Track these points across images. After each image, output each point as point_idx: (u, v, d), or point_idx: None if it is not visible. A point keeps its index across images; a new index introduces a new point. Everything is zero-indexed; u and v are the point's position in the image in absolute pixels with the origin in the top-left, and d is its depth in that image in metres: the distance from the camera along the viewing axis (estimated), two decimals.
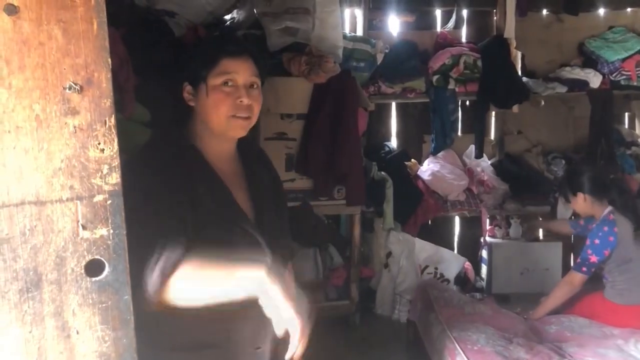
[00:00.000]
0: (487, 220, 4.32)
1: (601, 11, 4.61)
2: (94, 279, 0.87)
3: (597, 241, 2.93)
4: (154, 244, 1.30)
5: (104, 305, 0.87)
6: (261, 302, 1.28)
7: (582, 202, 3.08)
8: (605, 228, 2.93)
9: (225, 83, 1.47)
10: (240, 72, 1.48)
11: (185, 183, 1.41)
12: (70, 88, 0.82)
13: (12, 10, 0.79)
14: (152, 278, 1.28)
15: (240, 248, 1.44)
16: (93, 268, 0.87)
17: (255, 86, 1.51)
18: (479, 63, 4.07)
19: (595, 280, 3.15)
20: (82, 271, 0.86)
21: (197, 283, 1.34)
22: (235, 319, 1.46)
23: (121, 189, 0.87)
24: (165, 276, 1.30)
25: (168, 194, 1.37)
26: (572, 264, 4.19)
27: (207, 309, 1.42)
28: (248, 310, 1.45)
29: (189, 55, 1.57)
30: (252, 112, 1.50)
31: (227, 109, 1.46)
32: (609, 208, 3.01)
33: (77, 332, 0.87)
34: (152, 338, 1.34)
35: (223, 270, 1.33)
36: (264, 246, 1.48)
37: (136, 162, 1.41)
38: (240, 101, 1.46)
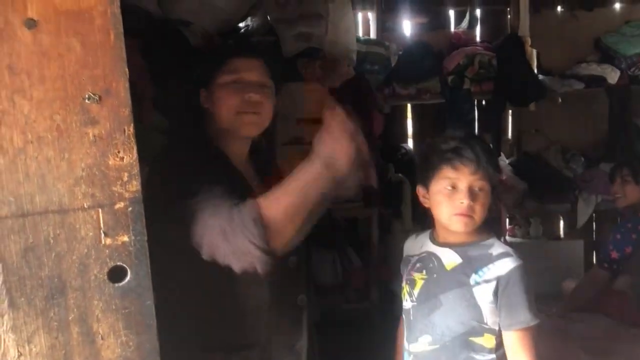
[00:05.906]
0: (507, 220, 4.28)
1: (617, 5, 4.54)
2: (116, 284, 0.88)
3: (618, 236, 2.82)
4: (221, 209, 1.26)
5: (127, 310, 0.89)
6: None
7: None
8: (629, 225, 2.83)
9: (235, 82, 1.49)
10: (249, 71, 1.51)
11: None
12: (89, 98, 0.84)
13: (31, 24, 0.81)
14: (251, 231, 1.23)
15: None
16: (116, 274, 0.88)
17: (266, 87, 1.54)
18: (494, 62, 4.03)
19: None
20: (105, 277, 0.88)
21: (285, 204, 1.31)
22: (272, 317, 1.49)
23: (141, 195, 0.88)
24: (258, 222, 1.25)
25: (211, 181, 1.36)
26: (594, 262, 4.15)
27: (245, 308, 1.45)
28: (283, 308, 1.50)
29: (200, 61, 1.62)
30: (263, 108, 1.52)
31: (236, 104, 1.48)
32: None
33: (102, 338, 0.88)
34: (190, 339, 1.36)
35: (290, 182, 1.32)
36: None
37: (167, 160, 1.44)
38: (249, 96, 1.48)
